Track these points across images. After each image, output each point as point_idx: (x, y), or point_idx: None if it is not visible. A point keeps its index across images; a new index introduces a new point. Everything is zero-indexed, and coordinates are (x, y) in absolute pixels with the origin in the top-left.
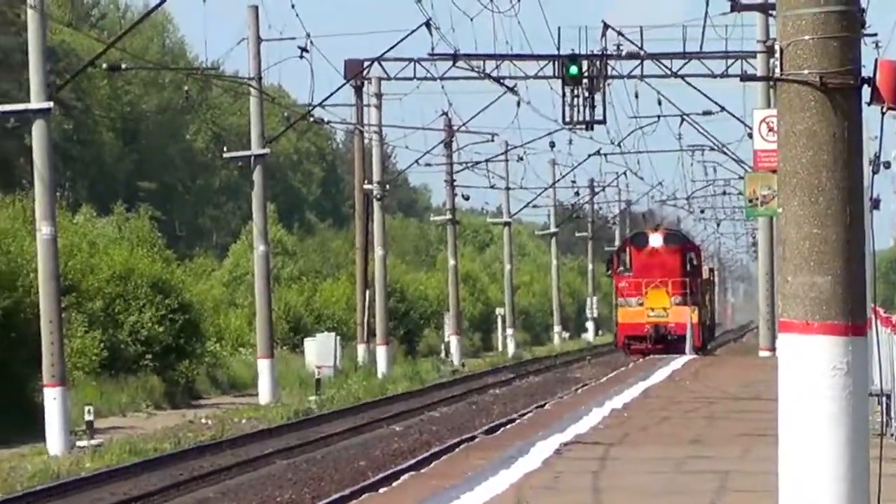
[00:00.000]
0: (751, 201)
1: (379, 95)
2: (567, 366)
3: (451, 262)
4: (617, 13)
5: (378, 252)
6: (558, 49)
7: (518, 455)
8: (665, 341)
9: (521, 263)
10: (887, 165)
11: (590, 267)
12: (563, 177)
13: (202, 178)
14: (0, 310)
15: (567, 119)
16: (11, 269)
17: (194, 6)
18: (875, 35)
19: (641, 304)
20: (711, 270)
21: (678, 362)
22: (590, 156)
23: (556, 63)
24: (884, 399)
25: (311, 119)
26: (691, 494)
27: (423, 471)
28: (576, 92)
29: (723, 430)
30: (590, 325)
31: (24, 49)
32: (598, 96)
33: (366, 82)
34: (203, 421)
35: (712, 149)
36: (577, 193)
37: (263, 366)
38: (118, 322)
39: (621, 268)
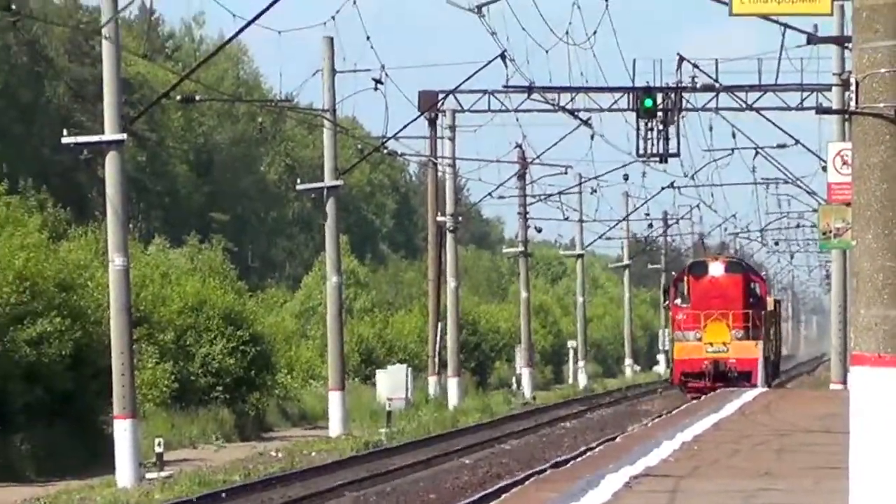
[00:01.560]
0: (824, 234)
1: (453, 127)
2: (638, 398)
3: (524, 294)
4: (692, 46)
5: (451, 284)
6: (633, 81)
7: (588, 488)
8: (725, 378)
9: (594, 296)
10: None
11: (662, 300)
12: (637, 209)
13: (275, 210)
14: (72, 341)
15: (641, 151)
16: (84, 301)
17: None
18: None
19: (700, 339)
20: (777, 302)
21: (749, 395)
22: (663, 188)
23: (631, 95)
24: None
25: (385, 151)
26: None
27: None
28: (650, 124)
29: (793, 463)
30: (661, 357)
31: (98, 80)
32: (672, 129)
33: (440, 114)
34: (273, 453)
35: (786, 181)
36: (650, 226)
37: (334, 398)
38: (189, 353)
39: (679, 299)
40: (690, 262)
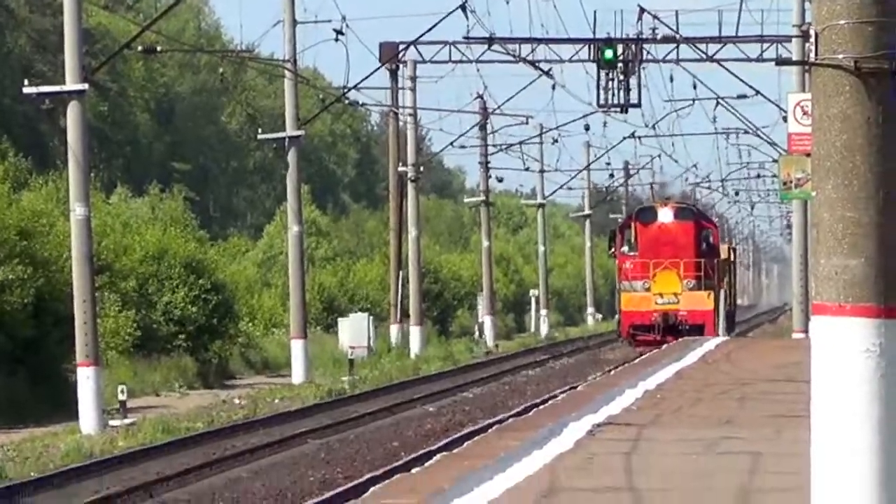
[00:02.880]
0: (785, 184)
1: (414, 78)
2: (600, 347)
3: (485, 243)
4: None
5: (412, 233)
6: (594, 33)
7: (551, 436)
8: (676, 332)
9: (555, 245)
10: None
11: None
12: (598, 159)
13: (236, 160)
14: (34, 290)
15: (602, 102)
16: (45, 250)
17: None
18: None
19: (648, 289)
20: (731, 249)
21: (711, 344)
22: (624, 138)
23: (592, 47)
24: None
25: (346, 101)
26: (724, 475)
27: (455, 451)
28: (611, 75)
29: (755, 412)
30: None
31: (59, 31)
32: (633, 80)
33: (401, 65)
34: (236, 401)
35: (747, 132)
36: (611, 176)
37: (297, 346)
38: (151, 302)
39: (625, 247)
40: (638, 207)
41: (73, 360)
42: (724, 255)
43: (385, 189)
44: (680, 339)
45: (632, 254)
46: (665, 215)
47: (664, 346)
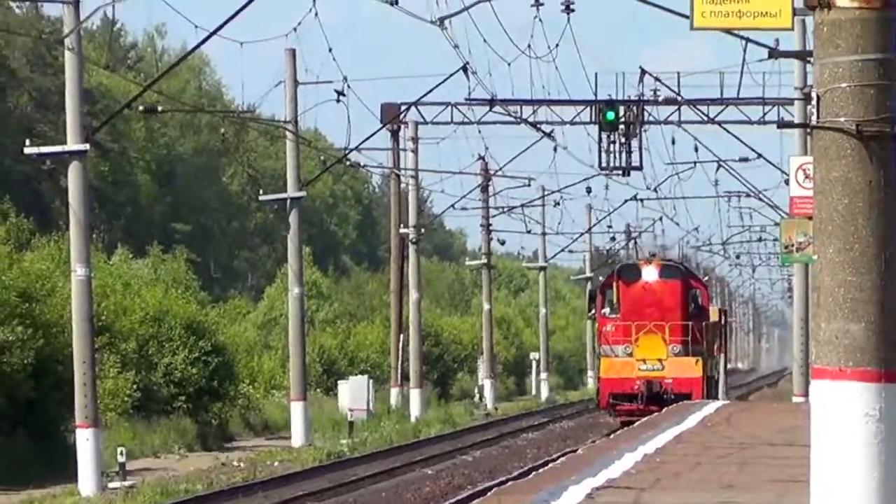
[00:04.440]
0: (786, 248)
1: (415, 139)
2: (600, 410)
3: (486, 306)
4: (654, 59)
5: (413, 295)
6: (595, 94)
7: (550, 499)
8: (660, 401)
9: (556, 308)
10: None
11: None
12: (599, 222)
13: (238, 221)
14: (33, 351)
15: (603, 164)
16: (46, 312)
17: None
18: None
19: (630, 354)
20: (723, 312)
21: (710, 408)
22: (626, 201)
23: (593, 108)
24: None
25: (348, 163)
26: None
27: None
28: (612, 137)
29: (756, 476)
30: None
31: (60, 91)
32: (634, 142)
33: (402, 126)
34: (235, 463)
35: (748, 195)
36: (612, 238)
37: (296, 408)
38: (152, 363)
39: (606, 308)
40: (620, 265)
41: (72, 422)
42: (714, 318)
43: (386, 251)
44: (682, 404)
45: (613, 316)
46: (649, 274)
47: (642, 420)
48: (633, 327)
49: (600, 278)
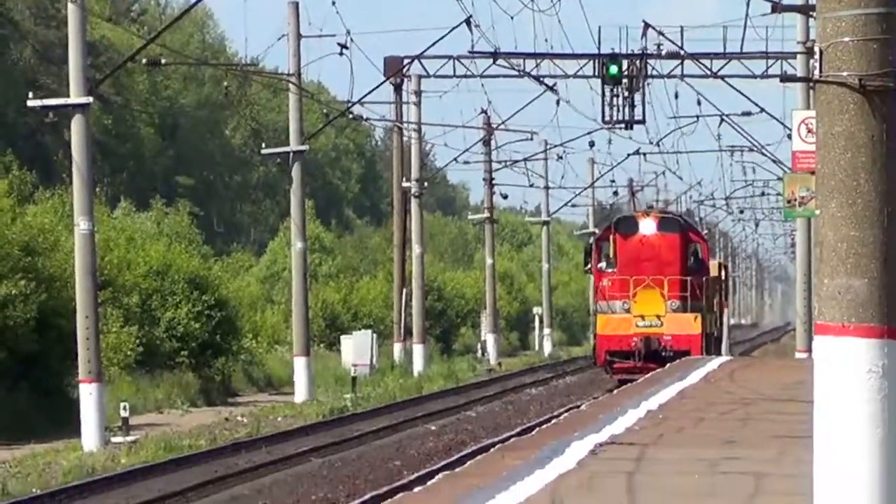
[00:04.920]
0: (789, 202)
1: (418, 93)
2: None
3: (489, 260)
4: (658, 13)
5: (416, 250)
6: (598, 48)
7: (553, 455)
8: (659, 358)
9: (559, 263)
10: None
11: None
12: (602, 176)
13: (240, 174)
14: (36, 305)
15: (606, 118)
16: (49, 266)
17: (235, 2)
18: None
19: (628, 311)
20: (723, 266)
21: (714, 363)
22: (629, 155)
23: (596, 62)
24: None
25: (351, 116)
26: (727, 496)
27: (457, 470)
28: (615, 91)
29: (758, 432)
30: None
31: (63, 44)
32: (637, 96)
33: (405, 79)
34: (239, 418)
35: (751, 149)
36: (615, 193)
37: (300, 363)
38: (154, 318)
39: (603, 263)
40: (616, 217)
41: (75, 377)
42: (714, 273)
43: (389, 205)
44: (684, 359)
45: (609, 270)
46: (647, 227)
47: (645, 376)
48: (631, 282)
49: (596, 230)
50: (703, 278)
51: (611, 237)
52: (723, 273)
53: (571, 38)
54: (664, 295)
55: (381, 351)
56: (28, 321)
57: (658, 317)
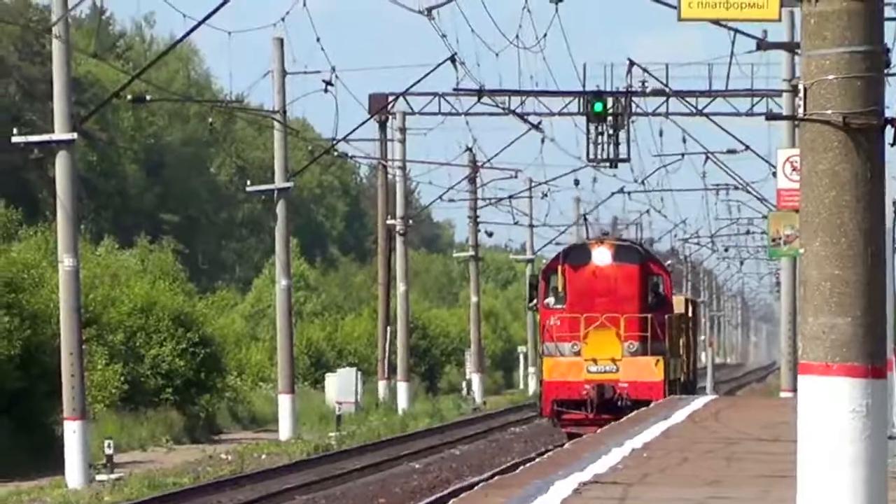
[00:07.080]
0: (774, 241)
1: (403, 130)
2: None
3: (474, 298)
4: (642, 50)
5: (400, 288)
6: (583, 86)
7: (537, 494)
8: (614, 409)
9: None
10: None
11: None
12: (587, 214)
13: (225, 212)
14: (21, 342)
15: (591, 156)
16: (34, 302)
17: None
18: None
19: (579, 354)
20: (691, 302)
21: (699, 403)
22: (613, 193)
23: (581, 100)
24: None
25: (335, 153)
26: None
27: None
28: (600, 129)
29: (742, 471)
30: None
31: (48, 79)
32: (622, 134)
33: (390, 117)
34: (223, 456)
35: (736, 187)
36: (605, 233)
37: (284, 401)
38: (139, 355)
39: (550, 298)
40: (566, 246)
41: (59, 414)
42: (679, 309)
43: (374, 243)
44: (668, 398)
45: (558, 307)
46: (601, 256)
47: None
48: (582, 321)
49: (543, 260)
50: (666, 316)
51: (559, 268)
52: (690, 310)
53: (557, 75)
54: (620, 335)
55: (365, 389)
56: (12, 358)
57: (613, 361)
